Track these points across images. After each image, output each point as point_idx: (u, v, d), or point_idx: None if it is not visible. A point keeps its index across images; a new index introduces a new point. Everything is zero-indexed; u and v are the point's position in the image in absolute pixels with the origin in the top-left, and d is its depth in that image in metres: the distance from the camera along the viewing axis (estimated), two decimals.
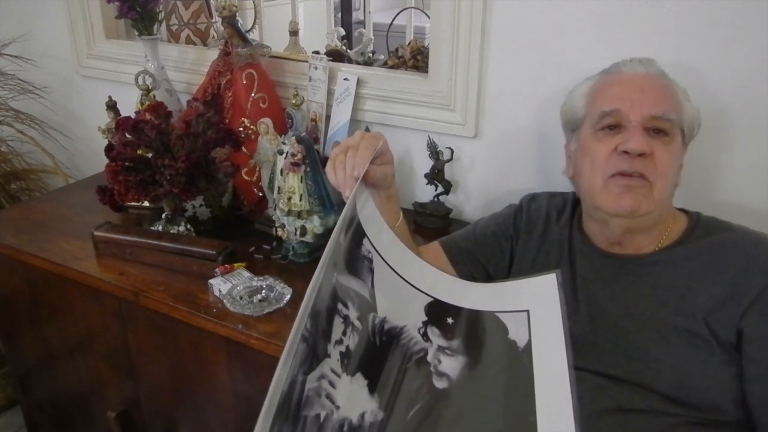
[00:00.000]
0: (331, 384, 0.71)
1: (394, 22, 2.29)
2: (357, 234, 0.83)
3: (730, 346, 0.86)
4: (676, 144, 0.92)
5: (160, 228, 1.35)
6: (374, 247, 0.84)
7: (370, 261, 0.83)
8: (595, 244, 1.01)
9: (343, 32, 1.90)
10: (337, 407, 0.71)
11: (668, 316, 0.89)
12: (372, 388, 0.75)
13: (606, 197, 0.92)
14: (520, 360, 0.76)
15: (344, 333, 0.75)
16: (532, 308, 0.79)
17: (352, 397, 0.73)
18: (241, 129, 1.42)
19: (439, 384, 0.77)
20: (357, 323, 0.77)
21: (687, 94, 0.97)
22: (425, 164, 1.40)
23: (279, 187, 1.24)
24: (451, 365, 0.78)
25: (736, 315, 0.86)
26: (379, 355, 0.78)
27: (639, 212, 0.90)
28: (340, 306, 0.76)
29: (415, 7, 2.39)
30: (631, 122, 0.90)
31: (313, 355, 0.70)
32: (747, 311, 0.85)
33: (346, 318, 0.76)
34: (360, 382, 0.74)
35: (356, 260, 0.81)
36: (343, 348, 0.74)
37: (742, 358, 0.86)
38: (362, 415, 0.72)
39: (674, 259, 0.93)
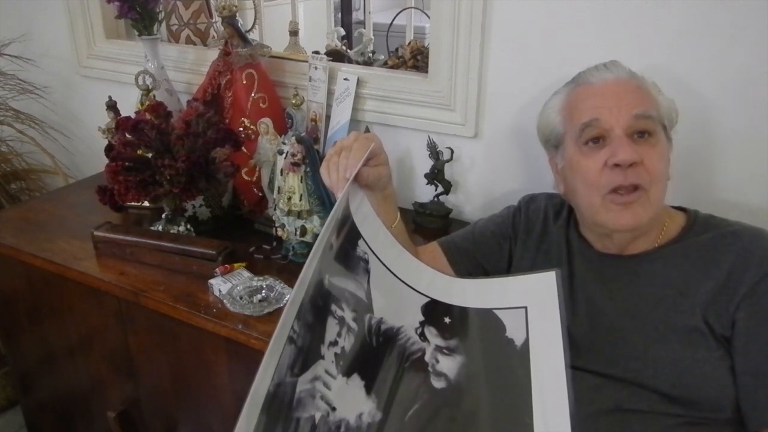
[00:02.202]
0: (326, 385, 0.71)
1: (394, 22, 2.29)
2: (352, 235, 0.83)
3: (725, 341, 0.86)
4: (661, 143, 0.92)
5: (160, 228, 1.35)
6: (370, 248, 0.84)
7: (366, 262, 0.83)
8: (593, 245, 1.01)
9: (343, 32, 1.90)
10: (333, 409, 0.71)
11: (667, 313, 0.89)
12: (369, 389, 0.75)
13: (606, 215, 0.91)
14: (518, 358, 0.76)
15: (339, 334, 0.75)
16: (530, 305, 0.79)
17: (349, 398, 0.73)
18: (241, 129, 1.42)
19: (437, 384, 0.77)
20: (353, 324, 0.77)
21: (658, 87, 0.97)
22: (425, 164, 1.40)
23: (279, 187, 1.24)
24: (448, 365, 0.78)
25: (731, 307, 0.86)
26: (376, 356, 0.78)
27: (641, 225, 0.91)
28: (334, 307, 0.76)
29: (415, 7, 2.38)
30: (615, 131, 0.89)
31: (304, 357, 0.70)
32: (740, 304, 0.86)
33: (341, 319, 0.76)
34: (356, 383, 0.74)
35: (351, 261, 0.81)
36: (338, 349, 0.74)
37: (732, 351, 0.86)
38: (360, 416, 0.72)
39: (672, 257, 0.93)
